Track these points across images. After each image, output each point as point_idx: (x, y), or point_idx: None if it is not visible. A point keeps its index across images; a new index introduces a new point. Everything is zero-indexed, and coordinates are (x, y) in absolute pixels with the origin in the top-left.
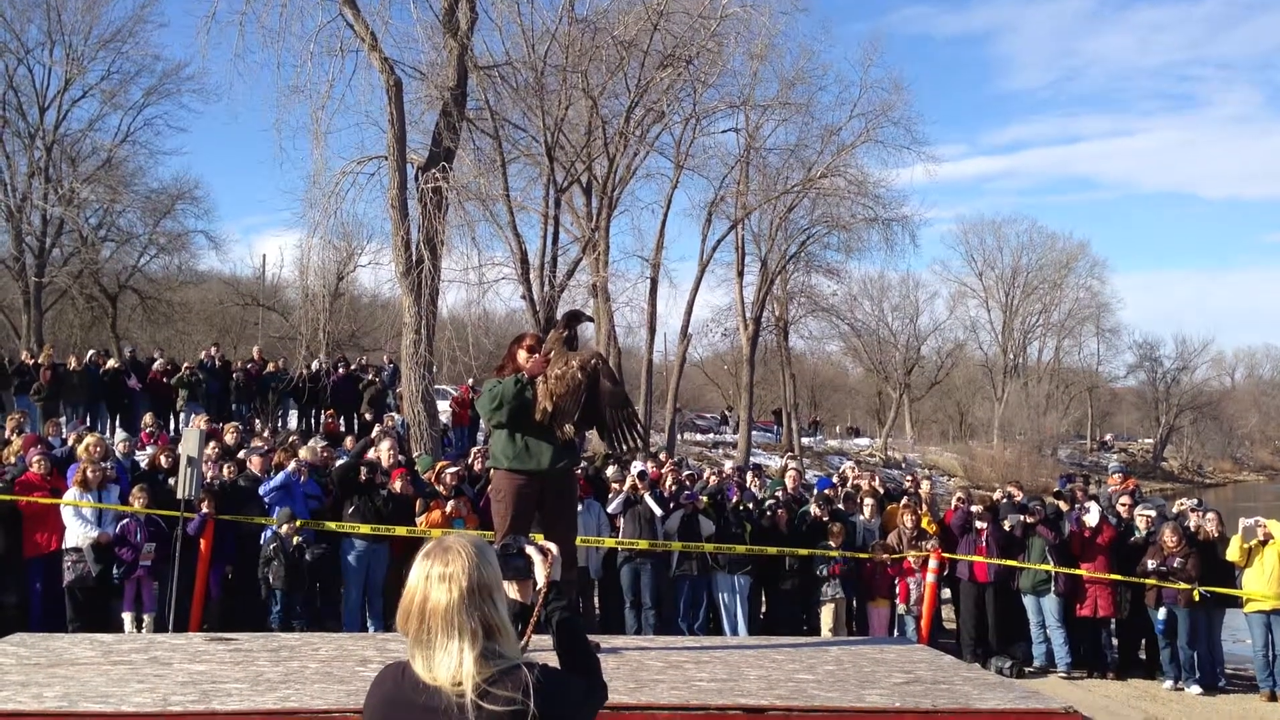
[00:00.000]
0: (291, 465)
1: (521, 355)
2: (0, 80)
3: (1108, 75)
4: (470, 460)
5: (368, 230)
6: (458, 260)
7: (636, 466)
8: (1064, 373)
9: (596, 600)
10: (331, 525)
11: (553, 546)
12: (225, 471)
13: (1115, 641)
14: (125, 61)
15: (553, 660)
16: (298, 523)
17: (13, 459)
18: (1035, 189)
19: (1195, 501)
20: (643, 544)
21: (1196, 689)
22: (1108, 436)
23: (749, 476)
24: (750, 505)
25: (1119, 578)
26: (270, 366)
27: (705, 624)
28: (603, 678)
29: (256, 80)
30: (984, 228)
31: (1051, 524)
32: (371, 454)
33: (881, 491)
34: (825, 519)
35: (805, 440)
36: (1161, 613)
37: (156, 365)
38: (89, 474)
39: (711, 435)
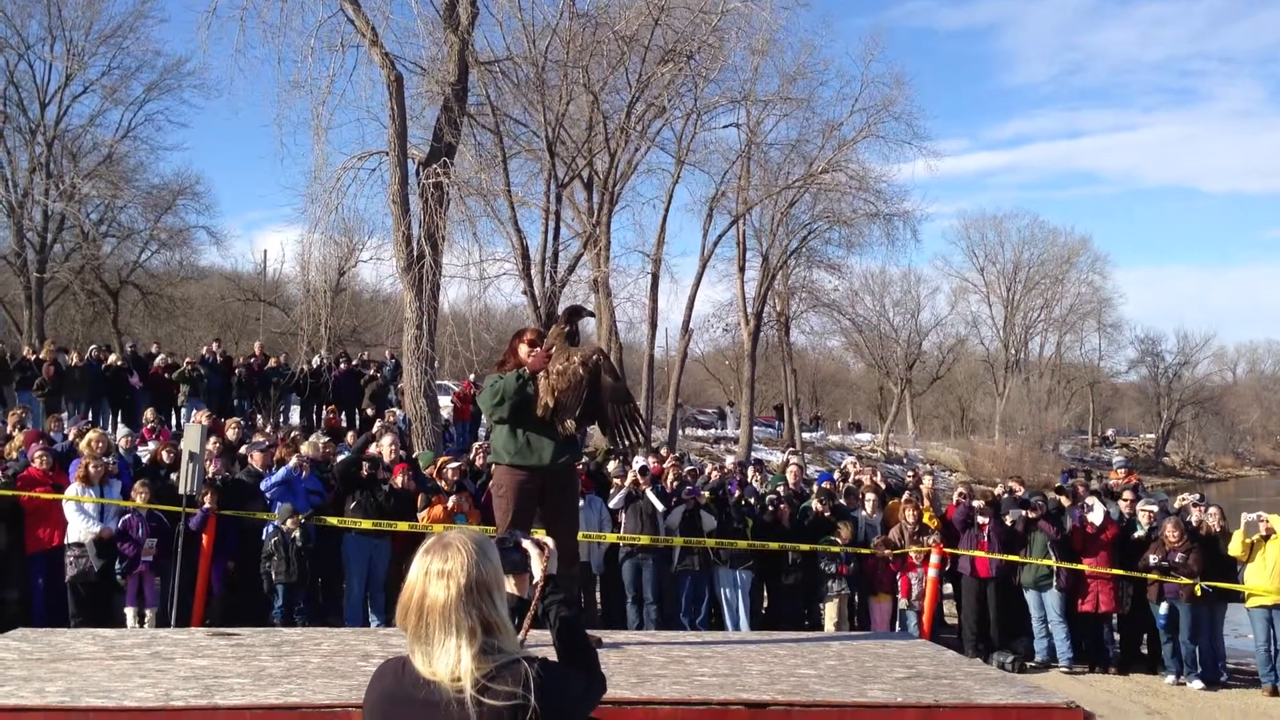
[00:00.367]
0: (293, 460)
1: (523, 350)
2: (1, 76)
3: (1110, 69)
4: (472, 455)
5: (369, 226)
6: (459, 255)
7: (638, 462)
8: (1065, 368)
9: (598, 595)
10: (333, 520)
11: (549, 541)
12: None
13: (1117, 636)
14: (126, 57)
15: (551, 654)
16: (300, 518)
17: (15, 454)
18: (1037, 184)
19: (1197, 497)
20: (644, 539)
21: (1198, 684)
22: (1109, 432)
23: (750, 472)
24: (752, 500)
25: (1121, 573)
26: (272, 362)
27: (707, 619)
28: (601, 671)
29: (257, 76)
30: (985, 223)
31: (1053, 519)
32: (373, 449)
33: (883, 487)
34: (827, 514)
35: (806, 435)
36: (1163, 608)
37: (158, 361)
38: (91, 469)
39: (713, 430)
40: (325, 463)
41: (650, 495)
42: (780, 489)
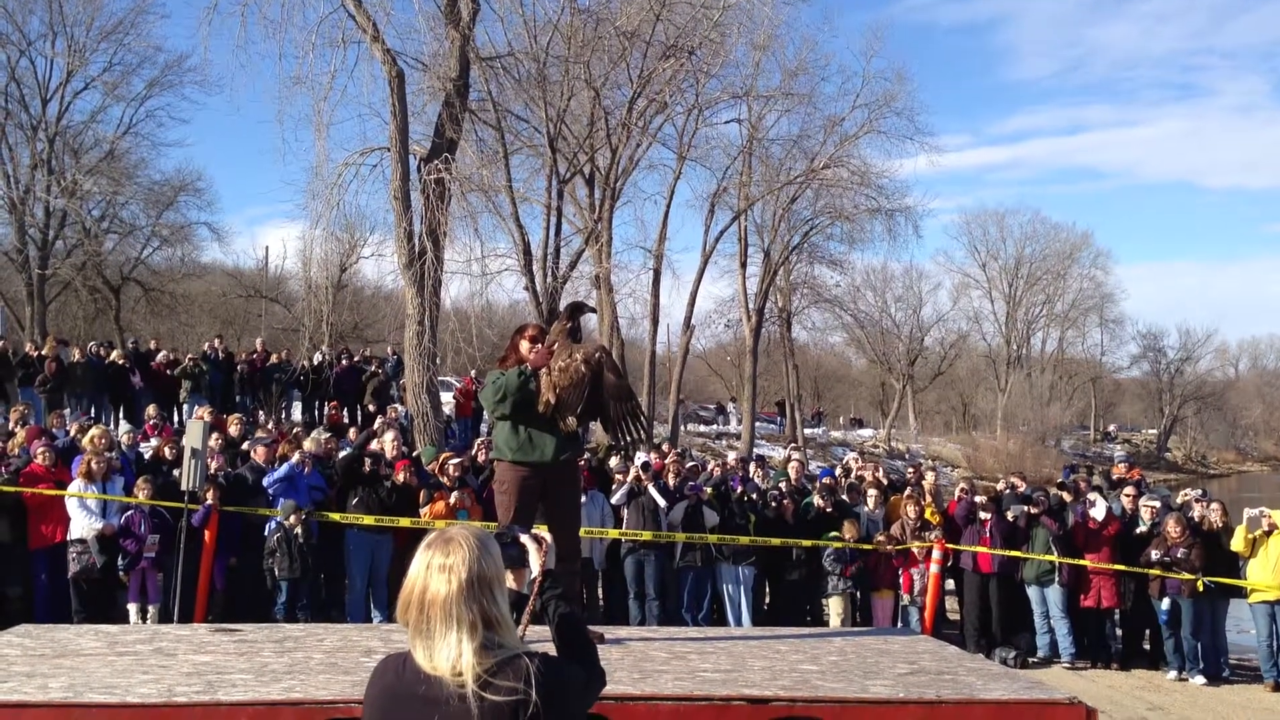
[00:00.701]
0: (295, 457)
1: (524, 346)
2: (2, 72)
3: (1112, 65)
4: (474, 452)
5: (370, 222)
6: (460, 252)
7: (640, 458)
8: (1067, 363)
9: (600, 591)
10: (335, 516)
11: (547, 536)
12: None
13: (1119, 632)
14: (127, 53)
15: (550, 649)
16: (303, 514)
17: (17, 451)
18: (1039, 179)
19: (1199, 492)
20: (646, 535)
21: (1200, 679)
22: (1111, 427)
23: (752, 468)
24: (754, 496)
25: (1123, 568)
26: (274, 358)
27: (709, 615)
28: (601, 665)
29: (258, 72)
30: (987, 218)
31: (1055, 514)
32: (375, 445)
33: (885, 482)
34: (829, 510)
35: (808, 431)
36: (1165, 603)
37: (160, 358)
38: (93, 465)
39: (715, 426)
40: (327, 459)
41: (652, 491)
42: (782, 485)
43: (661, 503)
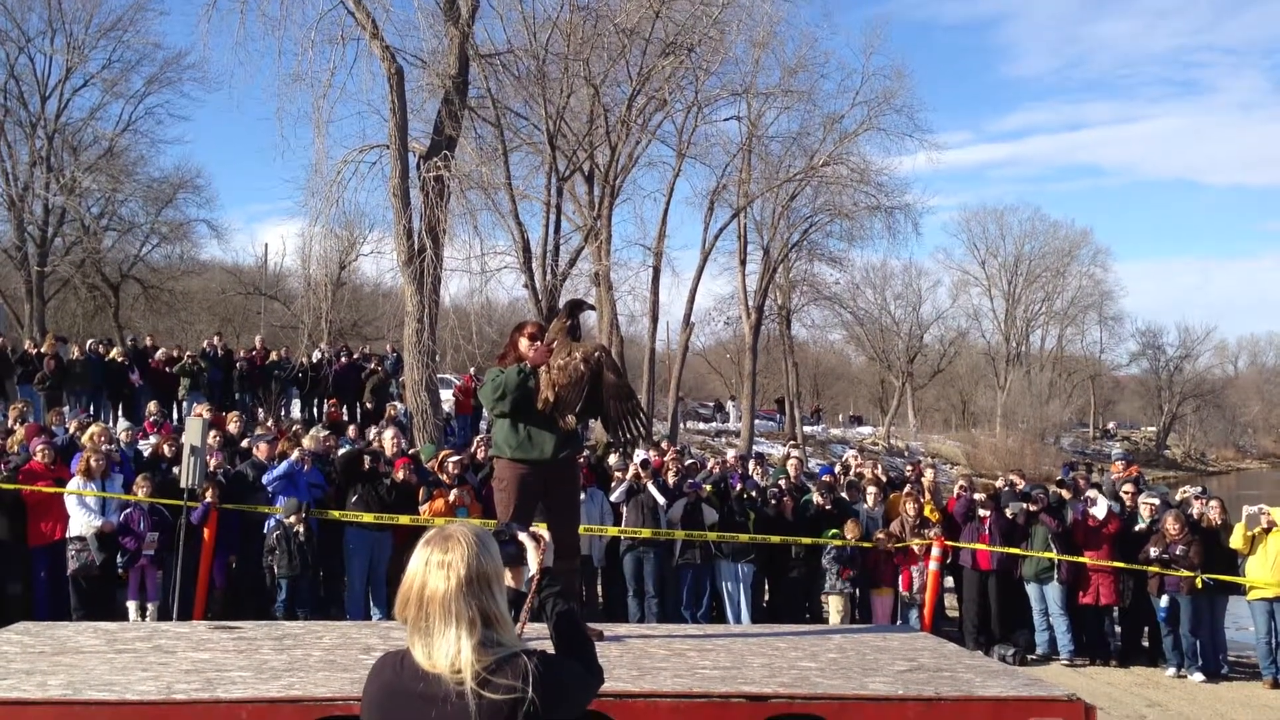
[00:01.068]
0: (295, 454)
1: (523, 343)
2: (1, 69)
3: (1113, 61)
4: (473, 449)
5: (370, 219)
6: (460, 249)
7: (639, 455)
8: (1067, 361)
9: (600, 589)
10: (335, 513)
11: (545, 533)
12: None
13: (1118, 629)
14: (126, 50)
15: (548, 646)
16: (303, 512)
17: (16, 448)
18: (1039, 176)
19: (1198, 489)
20: (646, 532)
21: (1199, 676)
22: (1110, 424)
23: (751, 465)
24: (753, 494)
25: (1122, 565)
26: (273, 355)
27: (708, 612)
28: (599, 663)
29: (257, 69)
30: (986, 215)
31: (1054, 512)
32: (375, 442)
33: (884, 480)
34: (828, 507)
35: (808, 429)
36: (1164, 600)
37: (159, 355)
38: (92, 463)
39: (714, 424)
40: (326, 456)
41: (651, 489)
42: (781, 482)
43: (661, 500)
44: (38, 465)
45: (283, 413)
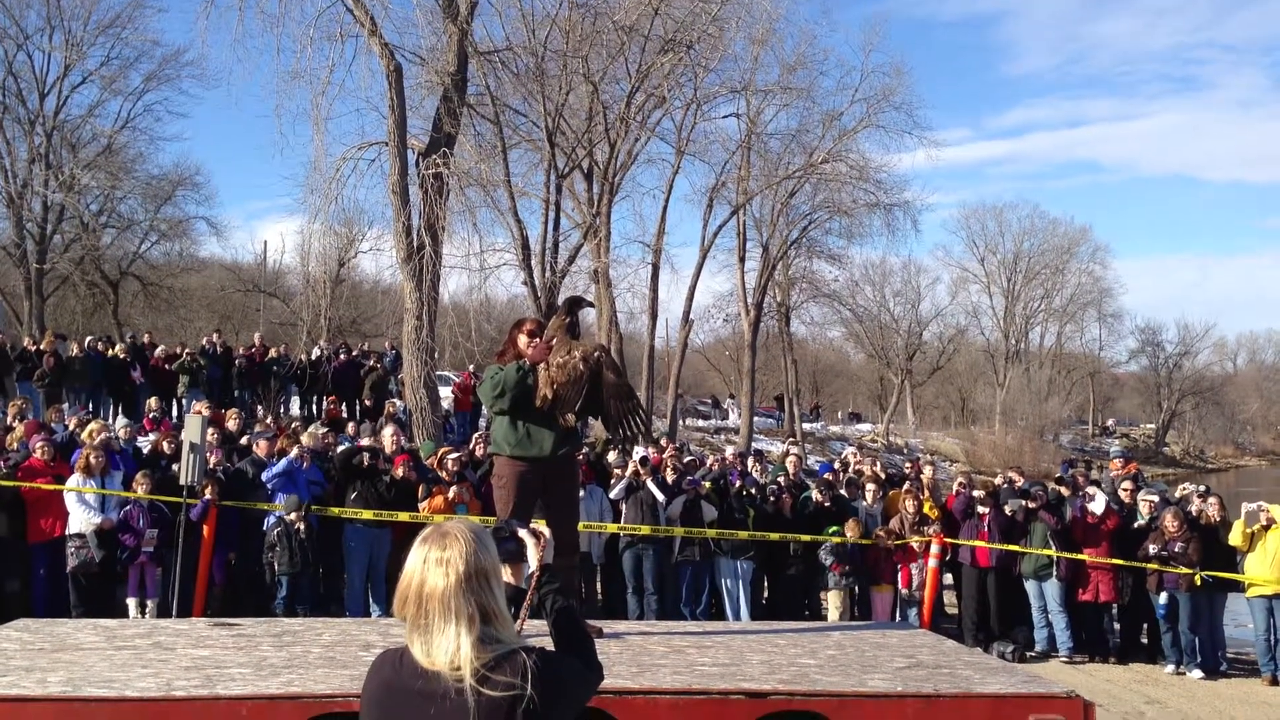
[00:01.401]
0: (294, 451)
1: (522, 340)
2: (0, 66)
3: (1112, 59)
4: (471, 446)
5: (369, 216)
6: (459, 246)
7: (639, 452)
8: (1066, 358)
9: (599, 585)
10: (334, 511)
11: (545, 530)
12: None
13: (1117, 626)
14: (125, 47)
15: (547, 643)
16: (304, 509)
17: (16, 445)
18: (1038, 174)
19: (1198, 487)
20: (645, 529)
21: (1198, 673)
22: (1109, 422)
23: (751, 462)
24: (753, 491)
25: (1121, 562)
26: (272, 352)
27: (707, 609)
28: (598, 660)
29: (256, 66)
30: (985, 213)
31: (1053, 509)
32: (374, 440)
33: (883, 477)
34: (827, 504)
35: (807, 426)
36: (1163, 597)
37: (158, 352)
38: (92, 460)
39: (713, 421)
40: (325, 453)
41: (651, 485)
42: (780, 479)
43: (660, 497)
44: (37, 462)
45: (282, 410)
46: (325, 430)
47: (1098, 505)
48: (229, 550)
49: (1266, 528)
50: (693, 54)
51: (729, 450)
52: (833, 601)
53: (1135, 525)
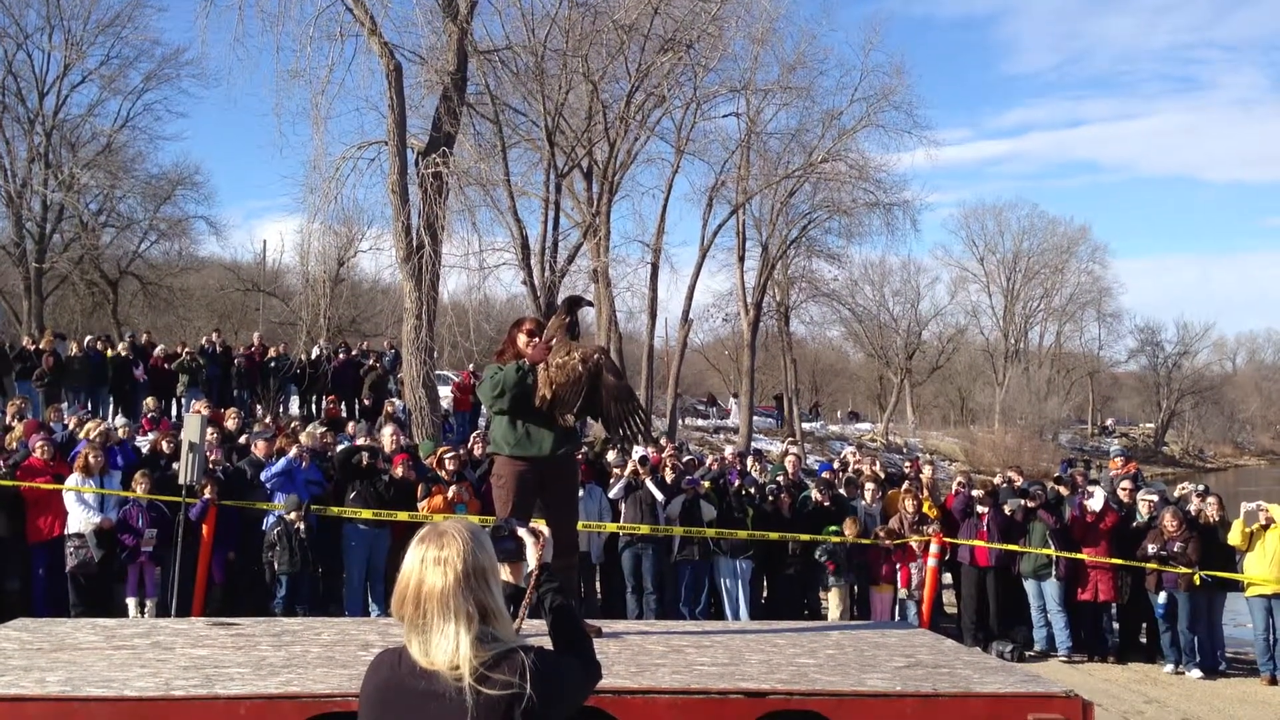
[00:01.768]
0: (293, 451)
1: (521, 339)
2: (0, 65)
3: (1112, 58)
4: (470, 445)
5: (368, 216)
6: (458, 245)
7: (638, 451)
8: (1065, 357)
9: (598, 585)
10: (334, 510)
11: (544, 529)
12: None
13: (1116, 625)
14: (124, 46)
15: (546, 642)
16: (303, 509)
17: (15, 444)
18: (1038, 173)
19: (1197, 486)
20: (644, 529)
21: (1197, 673)
22: (1109, 421)
23: (750, 461)
24: (752, 490)
25: (1120, 562)
26: (271, 352)
27: (707, 609)
28: (596, 658)
29: (256, 65)
30: (985, 212)
31: (1052, 508)
32: (374, 439)
33: (882, 476)
34: (826, 504)
35: (806, 425)
36: (1162, 597)
37: (157, 351)
38: (91, 460)
39: (712, 420)
40: (324, 453)
41: (650, 485)
42: (780, 479)
43: (659, 496)
44: (36, 461)
45: (281, 409)
46: (324, 430)
47: (1096, 502)
48: (228, 550)
49: (1265, 527)
50: (692, 53)
51: (728, 450)
52: (832, 601)
53: (1134, 525)
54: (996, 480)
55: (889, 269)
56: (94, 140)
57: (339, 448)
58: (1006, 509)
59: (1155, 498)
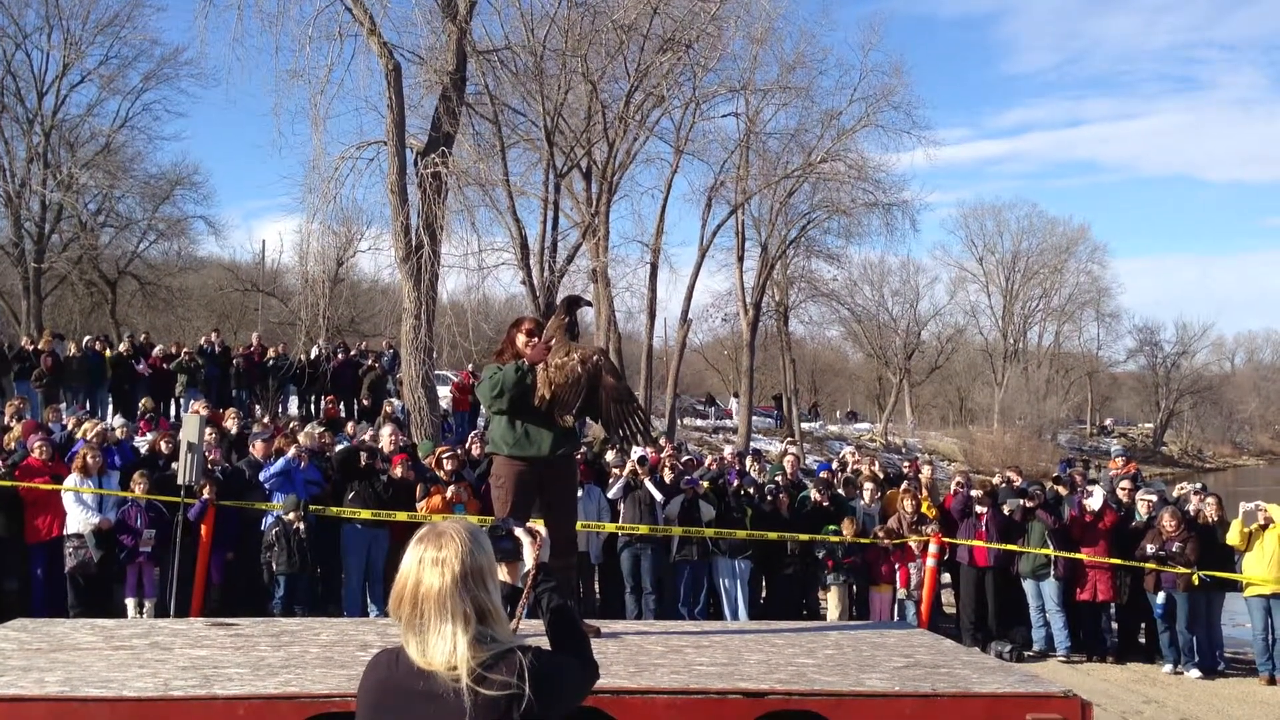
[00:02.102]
0: (292, 451)
1: (520, 339)
2: None
3: (1112, 58)
4: (468, 445)
5: (367, 215)
6: (457, 245)
7: (637, 452)
8: (1064, 357)
9: (597, 585)
10: (333, 510)
11: (541, 529)
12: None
13: (1115, 625)
14: (123, 46)
15: (543, 642)
16: (301, 509)
17: (13, 445)
18: (1037, 173)
19: (1195, 486)
20: (643, 529)
21: (1195, 673)
22: (1108, 421)
23: (749, 461)
24: (751, 490)
25: (1118, 562)
26: (270, 352)
27: (705, 609)
28: (594, 658)
29: (255, 65)
30: (984, 212)
31: (1051, 508)
32: (373, 439)
33: (881, 476)
34: (825, 504)
35: (805, 425)
36: (1161, 597)
37: (156, 351)
38: (89, 460)
39: (711, 420)
40: (323, 453)
41: (649, 485)
42: (778, 479)
43: (658, 497)
44: (35, 462)
45: (280, 409)
46: (323, 430)
47: (1094, 501)
48: (227, 550)
49: (1264, 527)
50: (691, 53)
51: (727, 450)
52: (831, 601)
53: (1133, 524)
54: (995, 480)
55: (888, 269)
56: (93, 140)
57: (338, 448)
58: (1005, 509)
59: (1154, 497)
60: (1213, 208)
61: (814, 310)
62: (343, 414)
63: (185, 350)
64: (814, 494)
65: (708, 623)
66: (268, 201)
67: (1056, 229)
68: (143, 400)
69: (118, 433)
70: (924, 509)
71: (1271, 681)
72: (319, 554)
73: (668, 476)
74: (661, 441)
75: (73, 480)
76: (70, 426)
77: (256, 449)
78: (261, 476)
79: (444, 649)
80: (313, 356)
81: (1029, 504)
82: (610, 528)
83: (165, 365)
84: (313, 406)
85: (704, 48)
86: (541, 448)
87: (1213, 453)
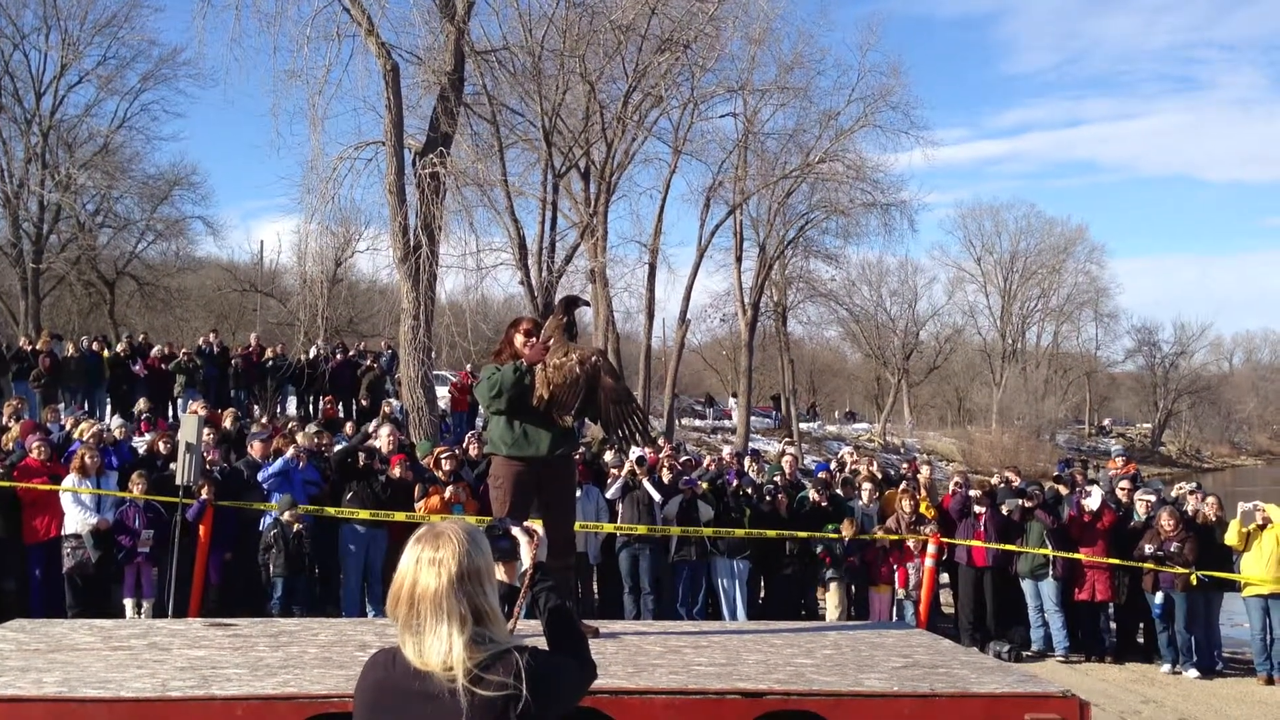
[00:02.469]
0: (290, 451)
1: (518, 339)
2: None
3: (1111, 58)
4: (466, 445)
5: (365, 216)
6: (456, 246)
7: (635, 452)
8: (1062, 357)
9: (595, 586)
10: (331, 511)
11: (538, 529)
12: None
13: (1113, 625)
14: (121, 46)
15: (541, 642)
16: (299, 509)
17: (11, 445)
18: (1036, 173)
19: (1194, 486)
20: (641, 529)
21: (1194, 673)
22: (1106, 421)
23: (747, 462)
24: (749, 490)
25: (1117, 562)
26: (268, 352)
27: (704, 609)
28: (592, 658)
29: (253, 66)
30: (982, 212)
31: (1050, 508)
32: (371, 439)
33: (880, 476)
34: (823, 504)
35: (803, 425)
36: (1159, 597)
37: (154, 352)
38: (87, 460)
39: (710, 420)
40: (321, 453)
41: (647, 485)
42: (777, 479)
43: (656, 497)
44: (33, 462)
45: (278, 410)
46: (321, 430)
47: (1093, 500)
48: (225, 550)
49: (1262, 527)
50: (690, 53)
51: (726, 450)
52: (830, 601)
53: (1131, 524)
54: (994, 480)
55: (886, 269)
56: (91, 140)
57: (336, 448)
58: (1004, 509)
59: (1152, 497)
60: (1212, 208)
61: (812, 310)
62: (341, 414)
63: (184, 350)
64: (812, 494)
65: (706, 623)
66: (266, 202)
67: (1055, 229)
68: (140, 400)
69: (116, 433)
70: (922, 509)
71: (1269, 681)
72: (317, 554)
73: (666, 477)
74: (660, 442)
75: (71, 481)
76: (68, 427)
77: (255, 449)
78: (260, 477)
79: (440, 649)
80: (311, 357)
81: (1027, 504)
82: (609, 528)
83: (163, 366)
84: (311, 407)
85: (702, 48)
86: (540, 448)
87: (1211, 453)
